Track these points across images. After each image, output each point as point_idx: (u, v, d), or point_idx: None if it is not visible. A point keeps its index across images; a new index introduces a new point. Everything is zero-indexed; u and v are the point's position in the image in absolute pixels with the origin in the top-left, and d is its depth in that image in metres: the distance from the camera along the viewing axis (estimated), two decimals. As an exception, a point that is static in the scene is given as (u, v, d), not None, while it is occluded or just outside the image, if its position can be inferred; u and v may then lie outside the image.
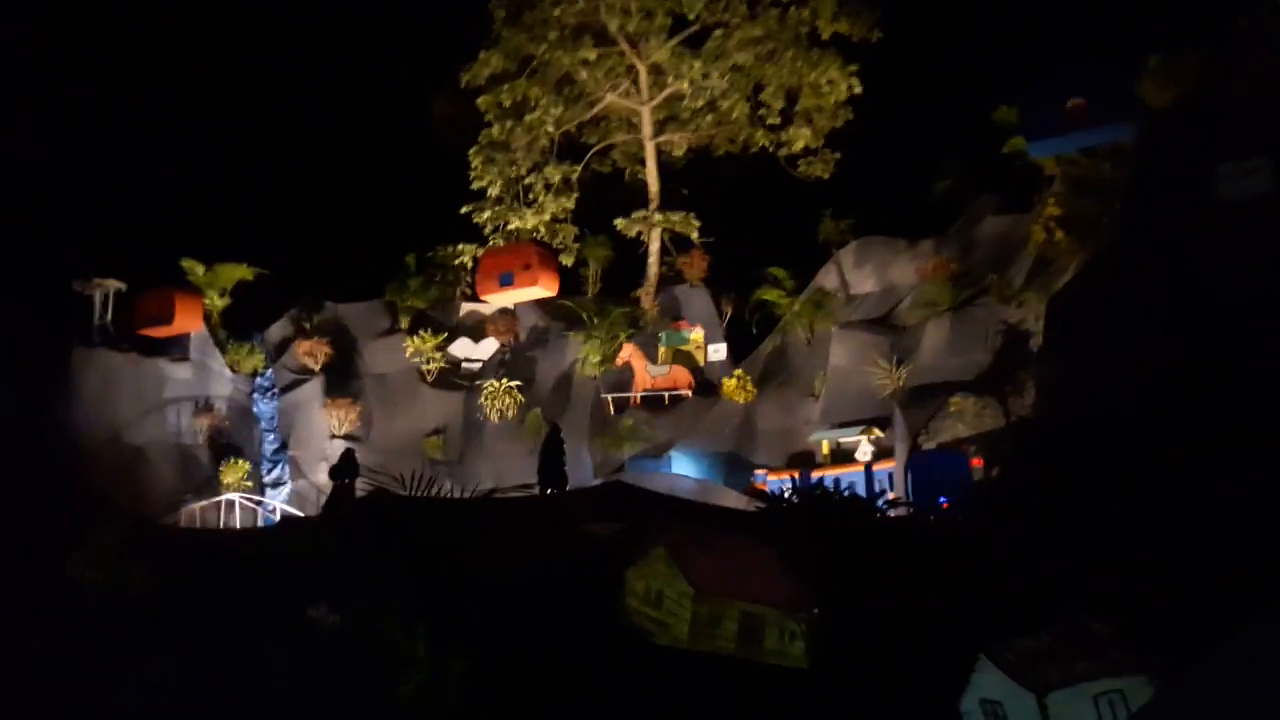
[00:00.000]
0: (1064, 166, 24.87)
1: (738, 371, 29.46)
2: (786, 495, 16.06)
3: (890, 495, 17.90)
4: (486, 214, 32.65)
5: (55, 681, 11.68)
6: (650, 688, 10.90)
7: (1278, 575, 8.47)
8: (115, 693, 11.57)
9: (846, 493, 15.41)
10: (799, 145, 32.03)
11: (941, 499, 19.39)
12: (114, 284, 29.38)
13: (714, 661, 11.20)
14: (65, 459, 25.89)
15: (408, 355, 31.55)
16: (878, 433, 25.19)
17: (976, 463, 20.89)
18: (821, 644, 11.23)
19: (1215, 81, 19.10)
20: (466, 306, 33.36)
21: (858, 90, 31.51)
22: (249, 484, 28.23)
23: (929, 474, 20.72)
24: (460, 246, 32.98)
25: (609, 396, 29.97)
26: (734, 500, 23.65)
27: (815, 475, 23.65)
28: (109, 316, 29.29)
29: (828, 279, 30.41)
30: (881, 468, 23.94)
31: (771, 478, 25.32)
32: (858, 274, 30.14)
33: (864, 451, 25.08)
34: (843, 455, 25.45)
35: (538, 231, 32.38)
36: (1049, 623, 10.57)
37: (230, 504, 26.07)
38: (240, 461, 28.57)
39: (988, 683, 9.96)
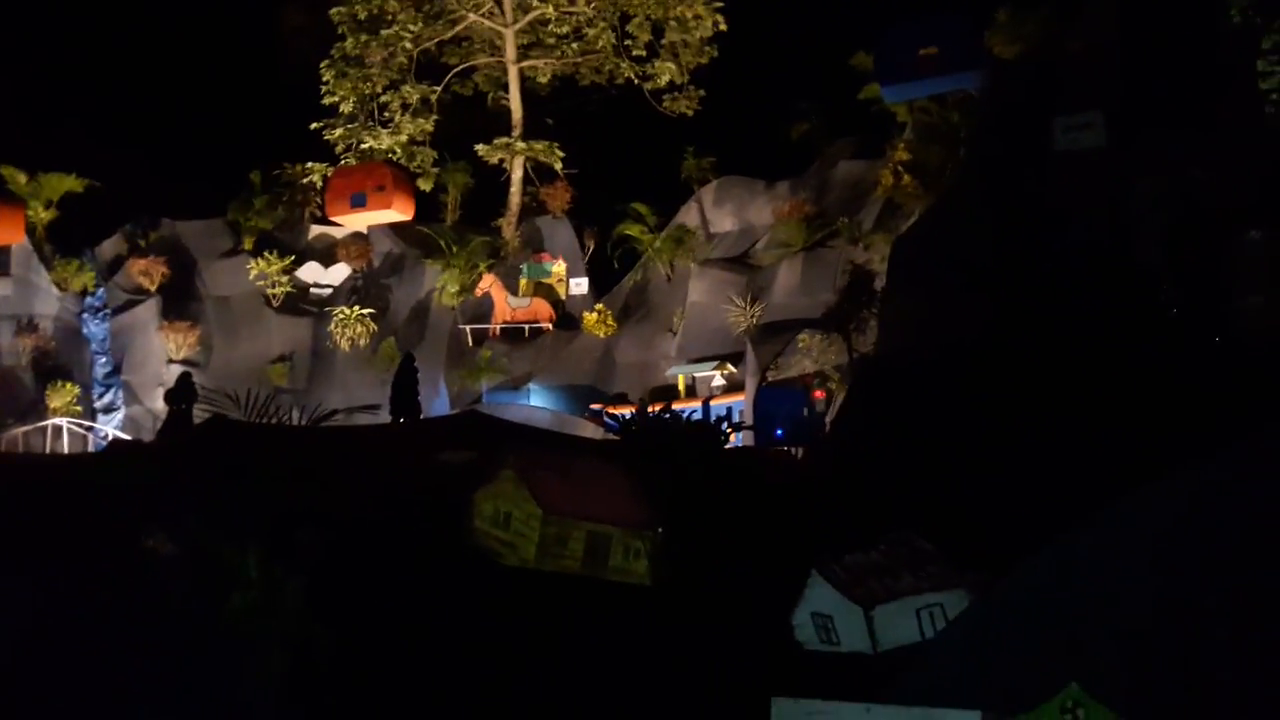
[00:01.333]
0: (915, 114, 25.72)
1: (599, 306, 29.55)
2: (634, 421, 16.34)
3: (732, 424, 18.43)
4: (339, 131, 31.39)
5: None
6: (498, 608, 11.01)
7: (1078, 500, 9.21)
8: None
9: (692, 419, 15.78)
10: (664, 80, 31.96)
11: (779, 430, 20.16)
12: (-81, 189, 27.00)
13: (560, 580, 11.40)
14: None
15: (252, 278, 30.18)
16: (730, 368, 25.86)
17: (819, 395, 21.75)
18: (664, 562, 11.57)
19: (1056, 38, 20.04)
20: (316, 229, 32.07)
21: (723, 27, 31.60)
22: (78, 409, 26.69)
23: (771, 406, 21.42)
24: (310, 165, 31.59)
25: (467, 328, 29.59)
26: (590, 432, 23.92)
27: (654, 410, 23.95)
28: (-87, 225, 26.91)
29: (689, 216, 30.71)
30: (720, 402, 24.58)
31: (612, 410, 25.61)
32: (718, 212, 30.54)
33: (714, 386, 25.77)
34: (699, 390, 26.05)
35: (393, 153, 31.33)
36: (877, 542, 11.19)
37: (58, 429, 24.66)
38: (69, 385, 26.93)
39: (819, 597, 10.50)
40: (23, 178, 28.76)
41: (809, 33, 32.00)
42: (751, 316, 26.32)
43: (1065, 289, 15.72)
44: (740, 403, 23.95)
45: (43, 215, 29.05)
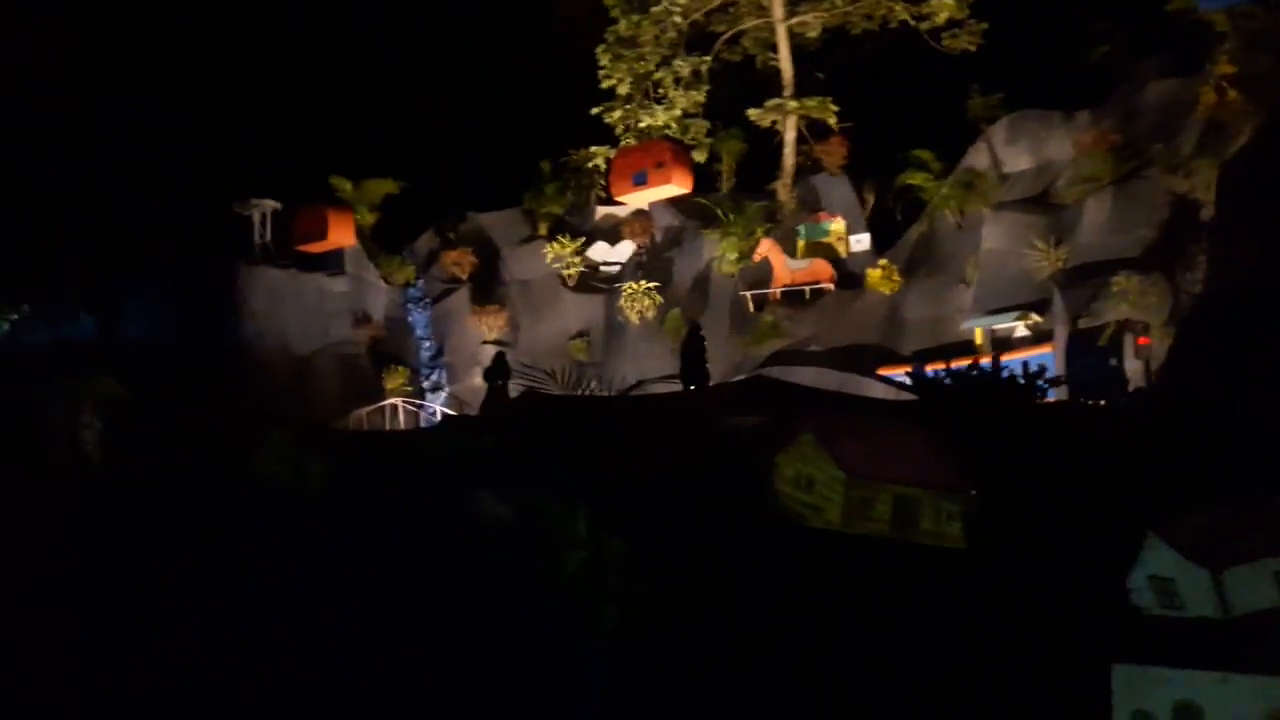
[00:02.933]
0: (1237, 21, 22.78)
1: (882, 261, 28.64)
2: (938, 380, 15.66)
3: (1046, 378, 17.18)
4: (617, 114, 32.38)
5: (252, 568, 12.68)
6: (804, 569, 11.01)
7: None
8: (303, 578, 12.48)
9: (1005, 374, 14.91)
10: (943, 17, 30.26)
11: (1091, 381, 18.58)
12: (270, 204, 30.72)
13: (868, 543, 11.20)
14: (239, 370, 27.64)
15: (548, 261, 32.01)
16: (1035, 318, 24.17)
17: (1143, 341, 19.87)
18: (980, 525, 11.07)
19: None
20: (602, 210, 33.44)
21: (1005, -48, 29.45)
22: (409, 389, 29.50)
23: (1084, 356, 19.82)
24: (593, 149, 32.90)
25: (748, 293, 29.72)
26: (880, 392, 23.32)
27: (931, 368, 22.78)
28: (268, 235, 30.73)
29: (978, 158, 28.95)
30: (1013, 357, 22.94)
31: (890, 372, 24.72)
32: (1010, 151, 28.57)
33: (1016, 337, 24.17)
34: (1000, 343, 24.58)
35: (669, 128, 31.92)
36: (1224, 500, 10.12)
37: (394, 408, 27.34)
38: (400, 368, 29.84)
39: (1158, 559, 9.69)
40: (349, 185, 32.10)
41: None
42: (1056, 260, 24.47)
43: None
44: (1049, 355, 22.32)
45: (367, 218, 32.30)
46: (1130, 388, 19.90)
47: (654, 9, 31.35)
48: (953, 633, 9.86)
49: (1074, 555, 10.58)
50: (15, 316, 26.95)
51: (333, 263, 30.98)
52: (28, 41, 32.25)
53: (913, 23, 30.79)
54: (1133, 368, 20.23)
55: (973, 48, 30.44)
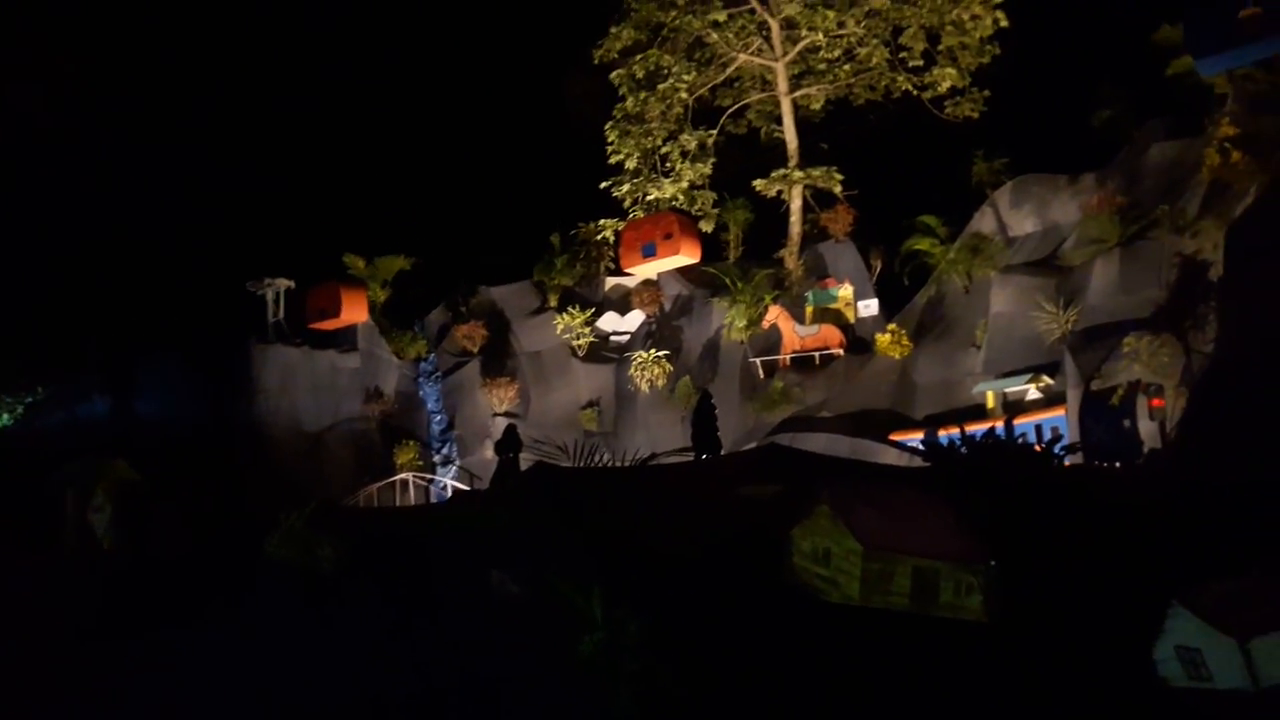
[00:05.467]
0: (1237, 83, 22.96)
1: (891, 326, 28.64)
2: (954, 447, 15.53)
3: (1063, 444, 17.04)
4: (625, 187, 32.82)
5: (264, 650, 12.55)
6: (824, 645, 10.82)
7: None
8: (314, 658, 12.34)
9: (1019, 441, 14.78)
10: (945, 86, 30.70)
11: (1107, 444, 18.43)
12: (284, 282, 31.09)
13: (888, 617, 11.01)
14: (252, 449, 27.69)
15: (558, 332, 32.19)
16: (1047, 380, 24.06)
17: (1157, 403, 19.71)
18: (1000, 597, 10.87)
19: None
20: (611, 280, 33.72)
21: (1004, 23, 29.94)
22: (420, 463, 29.46)
23: (1098, 418, 19.66)
24: (602, 222, 33.29)
25: (757, 360, 29.74)
26: (894, 458, 23.16)
27: (944, 433, 22.66)
28: (281, 313, 31.03)
29: (983, 223, 29.13)
30: (1025, 420, 22.84)
31: (902, 437, 24.61)
32: (1016, 215, 28.73)
33: (1028, 400, 24.02)
34: (1012, 407, 24.44)
35: (676, 200, 32.29)
36: (1249, 567, 9.94)
37: (404, 483, 27.29)
38: (411, 443, 29.86)
39: (1183, 629, 9.48)
40: (361, 263, 32.52)
41: (1100, 14, 29.68)
42: (1066, 322, 24.42)
43: None
44: (1061, 418, 22.18)
45: (380, 294, 32.66)
46: (1145, 449, 19.70)
47: (660, 86, 31.95)
48: (976, 709, 9.63)
49: (1098, 626, 10.37)
50: (31, 399, 27.15)
51: (345, 339, 31.22)
52: (47, 122, 33.00)
53: (915, 92, 31.26)
54: (1147, 429, 20.03)
55: (975, 115, 30.84)
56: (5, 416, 27.09)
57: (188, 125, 35.75)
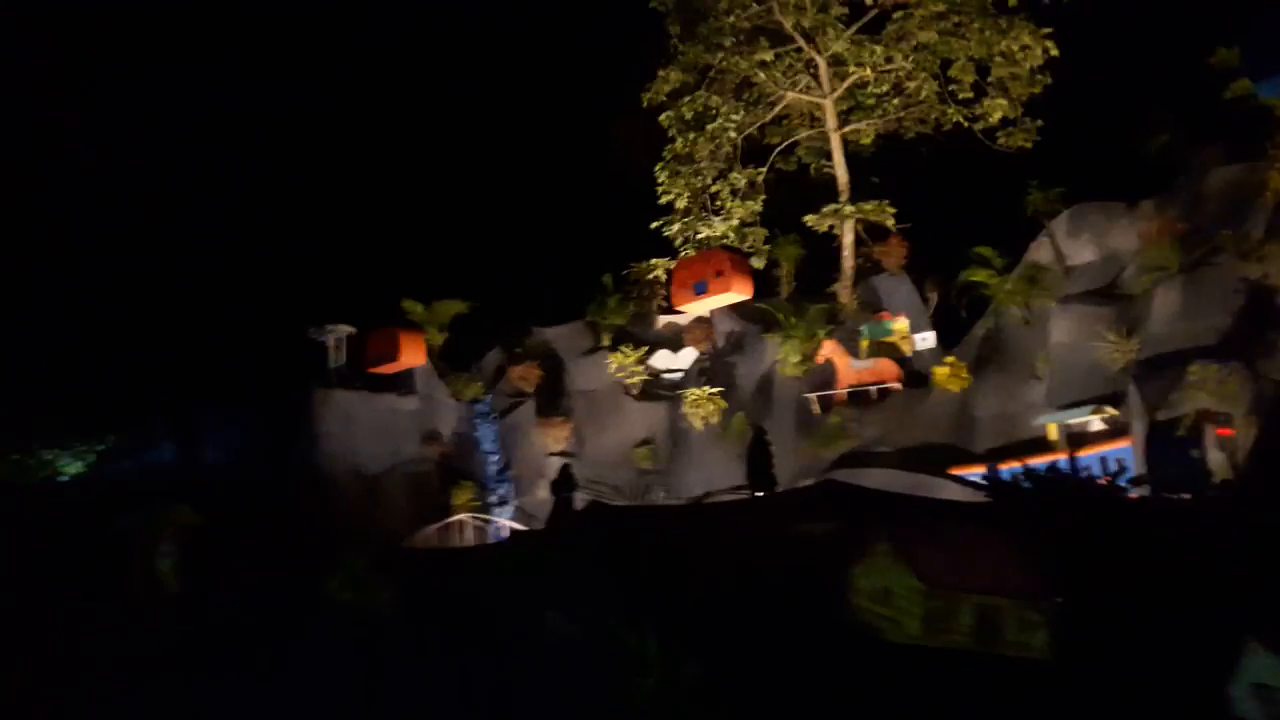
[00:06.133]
0: (1299, 105, 22.50)
1: (949, 359, 28.27)
2: (1016, 481, 15.22)
3: (1129, 478, 16.57)
4: (676, 226, 32.99)
5: (323, 694, 12.64)
6: (885, 685, 10.60)
7: None
8: (374, 702, 12.39)
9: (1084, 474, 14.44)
10: (996, 117, 30.50)
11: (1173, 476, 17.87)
12: (344, 329, 31.66)
13: (951, 657, 10.76)
14: (313, 493, 28.08)
15: (612, 371, 32.28)
16: (1111, 411, 23.51)
17: (1225, 433, 19.12)
18: (1067, 634, 10.57)
19: None
20: (663, 319, 33.79)
21: (1054, 53, 29.72)
22: (477, 504, 29.61)
23: (1164, 450, 19.10)
24: (653, 261, 33.47)
25: (812, 395, 29.51)
26: (953, 493, 22.74)
27: (1006, 466, 22.20)
28: (342, 359, 31.57)
29: (1040, 253, 28.72)
30: (1089, 452, 22.27)
31: (963, 471, 24.18)
32: (1073, 244, 28.29)
33: (1092, 431, 23.45)
34: (1075, 439, 23.89)
35: (727, 238, 32.36)
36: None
37: (462, 524, 27.42)
38: (468, 484, 30.04)
39: (1260, 666, 9.17)
40: (420, 308, 33.04)
41: (1153, 39, 29.30)
42: (1129, 352, 23.89)
43: None
44: (1126, 449, 21.60)
45: (437, 338, 33.09)
46: (1215, 481, 19.10)
47: (709, 126, 32.17)
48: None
49: (1170, 665, 10.03)
50: (101, 447, 27.90)
51: (404, 383, 31.63)
52: (110, 171, 34.14)
53: (966, 124, 31.09)
54: (1216, 460, 19.43)
55: (1028, 144, 30.56)
56: (77, 464, 27.86)
57: (251, 176, 36.83)
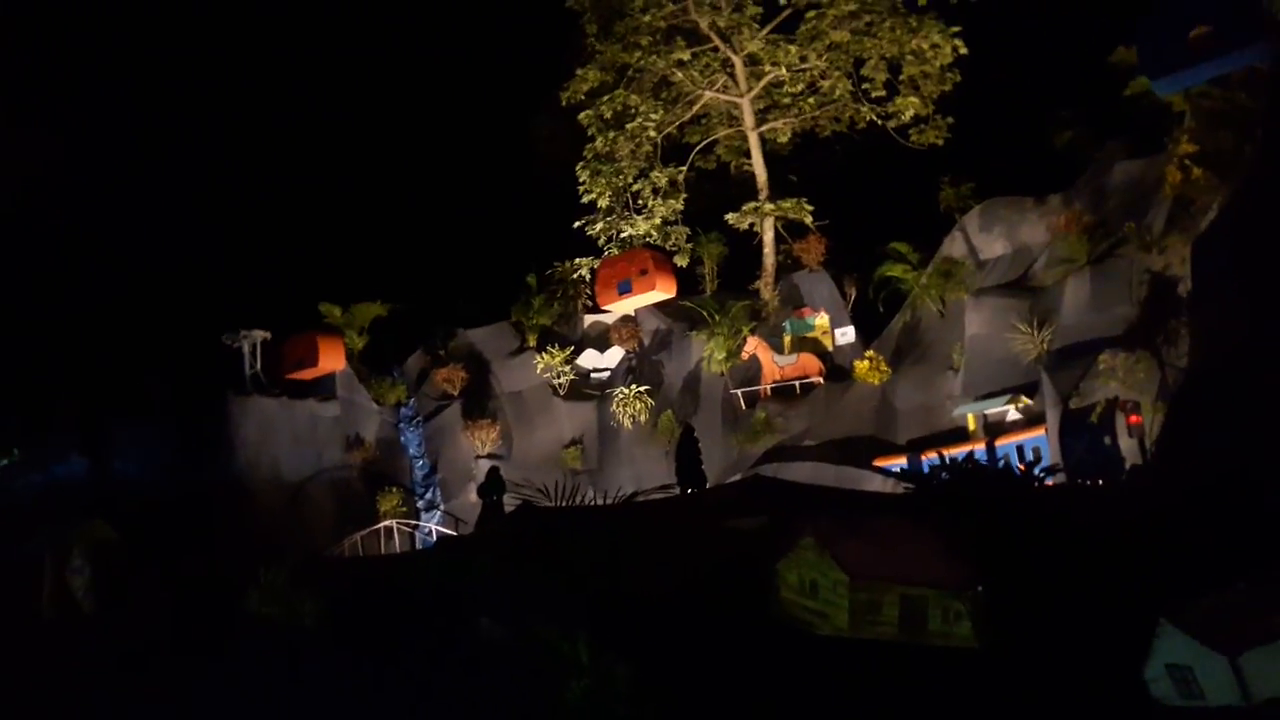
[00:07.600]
0: (1194, 101, 23.42)
1: (869, 352, 28.85)
2: (935, 472, 15.58)
3: (1044, 466, 17.12)
4: (599, 225, 33.01)
5: (241, 712, 12.32)
6: (814, 679, 10.74)
7: None
8: (295, 716, 12.12)
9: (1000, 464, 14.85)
10: (908, 115, 31.19)
11: (1086, 462, 18.55)
12: (260, 334, 30.95)
13: (878, 648, 10.96)
14: (233, 504, 27.37)
15: (539, 371, 32.18)
16: (1026, 400, 24.24)
17: (1135, 420, 19.85)
18: (989, 622, 10.85)
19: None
20: (589, 318, 33.80)
21: (963, 51, 30.50)
22: (404, 510, 29.22)
23: (1077, 437, 19.77)
24: (577, 260, 33.45)
25: (738, 392, 29.82)
26: (879, 484, 23.19)
27: (926, 457, 22.78)
28: (258, 365, 30.85)
29: (954, 247, 29.49)
30: (1006, 441, 22.98)
31: (886, 462, 24.74)
32: (985, 238, 29.11)
33: (1008, 420, 24.14)
34: (992, 428, 24.58)
35: (650, 236, 32.51)
36: (1236, 581, 9.96)
37: (389, 530, 27.06)
38: (394, 489, 29.63)
39: (1172, 646, 9.45)
40: (338, 311, 32.46)
41: (1056, 38, 30.27)
42: (1041, 342, 24.66)
43: None
44: (1041, 438, 22.29)
45: (357, 341, 32.59)
46: (1127, 466, 19.84)
47: (629, 126, 32.25)
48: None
49: (1088, 647, 10.36)
50: (6, 461, 26.80)
51: (324, 388, 31.07)
52: (17, 186, 32.86)
53: (880, 122, 31.70)
54: (1127, 446, 20.18)
55: (940, 142, 31.30)
56: None
57: (158, 179, 35.69)
